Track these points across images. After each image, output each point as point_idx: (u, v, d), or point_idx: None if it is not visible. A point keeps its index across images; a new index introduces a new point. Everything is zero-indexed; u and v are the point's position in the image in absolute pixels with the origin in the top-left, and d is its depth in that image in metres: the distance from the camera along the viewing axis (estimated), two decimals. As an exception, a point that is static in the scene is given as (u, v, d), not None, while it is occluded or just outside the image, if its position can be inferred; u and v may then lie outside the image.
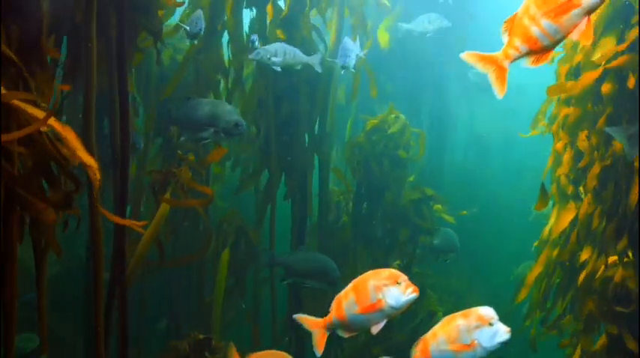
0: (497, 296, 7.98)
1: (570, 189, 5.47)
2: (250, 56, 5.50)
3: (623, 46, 4.78)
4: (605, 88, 4.85)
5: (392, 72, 9.02)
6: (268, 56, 5.38)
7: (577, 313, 5.30)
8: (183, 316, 6.78)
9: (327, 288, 6.07)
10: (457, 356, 3.20)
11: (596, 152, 5.02)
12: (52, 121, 3.03)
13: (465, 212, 8.49)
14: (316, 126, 6.82)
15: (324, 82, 6.67)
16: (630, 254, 4.92)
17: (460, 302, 8.57)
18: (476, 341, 3.17)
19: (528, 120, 6.45)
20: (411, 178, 7.51)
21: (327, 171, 6.95)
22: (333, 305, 3.38)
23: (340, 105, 8.11)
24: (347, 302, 3.32)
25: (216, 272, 6.37)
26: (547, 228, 5.79)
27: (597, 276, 4.99)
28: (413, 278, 7.07)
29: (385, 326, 7.23)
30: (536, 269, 5.68)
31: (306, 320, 3.48)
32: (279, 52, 5.42)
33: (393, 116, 7.21)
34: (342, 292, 3.36)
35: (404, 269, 7.20)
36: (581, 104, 5.16)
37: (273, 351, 3.95)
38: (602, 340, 5.02)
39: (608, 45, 4.88)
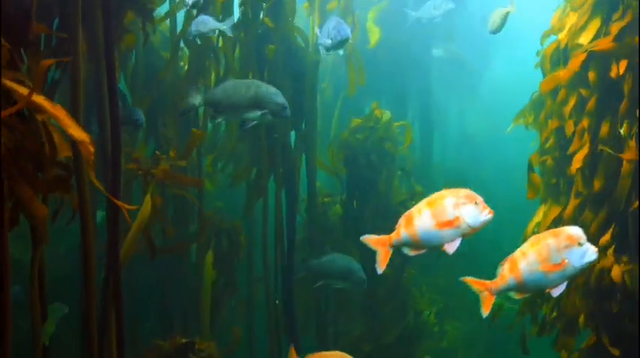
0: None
1: (554, 181, 5.47)
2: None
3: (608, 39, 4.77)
4: (592, 74, 4.85)
5: (380, 70, 9.02)
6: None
7: (562, 311, 5.27)
8: (176, 316, 6.73)
9: (354, 288, 6.26)
10: (547, 276, 3.25)
11: (585, 136, 5.00)
12: (41, 100, 3.00)
13: None
14: (303, 123, 6.76)
15: (310, 76, 6.60)
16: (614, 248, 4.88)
17: (450, 302, 8.61)
18: (566, 260, 3.20)
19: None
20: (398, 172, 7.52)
21: (314, 168, 6.87)
22: (402, 221, 3.34)
23: (326, 103, 8.14)
24: (420, 217, 3.29)
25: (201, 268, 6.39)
26: (532, 224, 5.76)
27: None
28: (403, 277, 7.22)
29: (374, 324, 7.32)
30: None
31: (370, 239, 3.47)
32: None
33: (377, 113, 7.24)
34: (414, 208, 3.33)
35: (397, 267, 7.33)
36: (570, 90, 5.15)
37: (335, 352, 3.94)
38: (589, 339, 5.00)
39: (594, 29, 4.91)
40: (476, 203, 3.23)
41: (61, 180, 3.35)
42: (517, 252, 3.31)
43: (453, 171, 11.45)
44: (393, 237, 3.38)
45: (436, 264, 9.10)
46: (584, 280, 4.91)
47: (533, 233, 5.64)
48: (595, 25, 4.94)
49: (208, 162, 6.94)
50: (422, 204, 3.31)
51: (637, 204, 4.68)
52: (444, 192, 3.29)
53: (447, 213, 3.25)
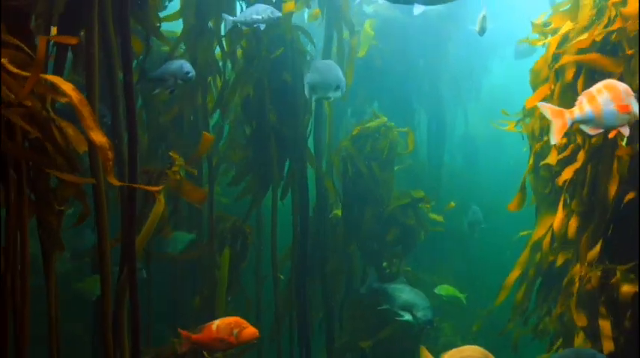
0: (489, 295, 8.18)
1: (548, 190, 5.58)
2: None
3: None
4: (580, 85, 4.86)
5: (383, 77, 9.22)
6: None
7: (555, 316, 5.43)
8: (187, 313, 6.93)
9: (417, 325, 6.38)
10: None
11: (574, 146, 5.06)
12: (70, 90, 2.97)
13: (452, 204, 8.76)
14: (310, 127, 6.97)
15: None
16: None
17: (450, 300, 8.80)
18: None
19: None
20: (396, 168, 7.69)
21: (322, 172, 7.15)
22: (583, 99, 3.70)
23: (336, 109, 8.30)
24: (602, 97, 3.65)
25: (212, 266, 6.60)
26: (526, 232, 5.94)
27: (575, 279, 5.11)
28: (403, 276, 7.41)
29: (374, 322, 7.47)
30: (515, 273, 5.84)
31: (548, 107, 3.81)
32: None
33: (377, 121, 7.41)
34: (593, 89, 3.73)
35: (395, 268, 7.53)
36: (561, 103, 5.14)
37: (472, 346, 4.22)
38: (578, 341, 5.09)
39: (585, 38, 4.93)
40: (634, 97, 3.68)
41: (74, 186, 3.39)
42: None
43: (457, 174, 11.61)
44: (575, 111, 3.71)
45: (435, 264, 9.38)
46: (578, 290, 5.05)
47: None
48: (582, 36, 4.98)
49: (215, 166, 7.02)
50: (599, 86, 3.67)
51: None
52: (612, 82, 3.70)
53: (622, 98, 3.63)
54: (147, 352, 5.62)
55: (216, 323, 4.40)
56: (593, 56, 4.70)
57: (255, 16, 5.64)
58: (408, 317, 6.41)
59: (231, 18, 5.78)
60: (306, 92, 5.64)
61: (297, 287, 6.99)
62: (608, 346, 4.70)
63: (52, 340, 3.63)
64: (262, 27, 5.72)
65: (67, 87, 2.98)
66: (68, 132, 3.19)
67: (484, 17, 6.29)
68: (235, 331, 4.32)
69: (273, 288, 6.94)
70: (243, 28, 5.85)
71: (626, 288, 4.71)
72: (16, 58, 3.06)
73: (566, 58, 4.93)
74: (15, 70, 2.94)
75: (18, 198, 3.17)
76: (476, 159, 12.48)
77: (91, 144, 3.14)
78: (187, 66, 5.52)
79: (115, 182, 3.26)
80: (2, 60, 2.94)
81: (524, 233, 6.05)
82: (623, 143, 4.57)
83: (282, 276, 7.01)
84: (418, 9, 4.24)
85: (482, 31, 6.39)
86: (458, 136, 12.30)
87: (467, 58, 10.21)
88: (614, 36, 4.66)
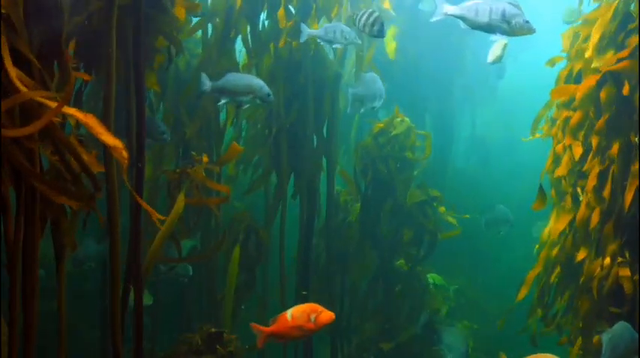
0: (500, 295, 8.17)
1: (569, 191, 5.66)
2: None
3: (623, 54, 5.03)
4: (604, 93, 5.10)
5: (396, 78, 9.23)
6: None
7: (575, 312, 5.49)
8: (194, 310, 6.99)
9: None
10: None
11: (594, 154, 5.24)
12: (73, 111, 3.09)
13: (467, 216, 8.70)
14: (324, 129, 7.05)
15: (331, 84, 6.92)
16: (627, 254, 5.10)
17: (462, 300, 8.80)
18: None
19: (529, 123, 6.67)
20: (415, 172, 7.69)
21: (334, 173, 7.16)
22: None
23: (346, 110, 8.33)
24: None
25: (226, 269, 6.60)
26: (547, 230, 5.97)
27: (594, 276, 5.18)
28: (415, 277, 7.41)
29: (393, 324, 7.47)
30: (536, 269, 5.87)
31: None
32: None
33: (398, 119, 7.44)
34: None
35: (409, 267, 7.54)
36: (582, 108, 5.39)
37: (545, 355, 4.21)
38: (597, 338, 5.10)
39: (608, 54, 5.13)
40: None
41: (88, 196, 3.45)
42: None
43: (467, 174, 11.62)
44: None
45: (447, 264, 9.34)
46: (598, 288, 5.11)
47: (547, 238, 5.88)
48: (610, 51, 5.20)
49: (230, 167, 7.15)
50: None
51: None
52: None
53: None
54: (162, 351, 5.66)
55: (290, 313, 4.45)
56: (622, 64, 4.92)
57: (336, 35, 5.63)
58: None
59: (308, 31, 5.81)
60: (350, 103, 5.96)
61: (302, 287, 7.02)
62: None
63: (61, 339, 3.67)
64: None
65: (70, 110, 3.09)
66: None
67: (505, 45, 6.36)
68: (313, 316, 4.39)
69: (279, 290, 6.96)
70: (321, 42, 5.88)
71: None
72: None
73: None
74: (41, 100, 3.05)
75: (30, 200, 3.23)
76: (488, 161, 12.50)
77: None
78: (267, 88, 5.57)
79: (129, 185, 3.46)
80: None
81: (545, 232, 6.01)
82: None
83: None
84: (437, 16, 4.33)
85: (497, 60, 6.45)
86: (470, 138, 12.32)
87: (483, 64, 10.27)
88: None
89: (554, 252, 5.75)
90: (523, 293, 5.94)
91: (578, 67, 5.52)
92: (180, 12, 5.08)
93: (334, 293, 7.39)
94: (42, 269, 3.55)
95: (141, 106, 4.38)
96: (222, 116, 6.90)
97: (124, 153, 3.17)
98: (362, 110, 6.07)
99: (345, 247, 7.50)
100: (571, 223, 5.53)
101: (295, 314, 4.42)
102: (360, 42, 5.80)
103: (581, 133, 5.41)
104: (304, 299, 6.72)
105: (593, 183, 5.21)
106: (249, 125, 7.13)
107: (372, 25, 4.82)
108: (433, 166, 10.40)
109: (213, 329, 5.45)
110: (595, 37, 5.24)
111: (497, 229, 8.71)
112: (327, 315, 4.42)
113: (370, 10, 4.91)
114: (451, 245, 9.23)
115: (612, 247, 5.07)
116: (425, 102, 10.25)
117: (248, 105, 5.87)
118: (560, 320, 5.80)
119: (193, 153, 5.56)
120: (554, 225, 5.76)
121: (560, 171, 5.70)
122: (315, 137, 6.98)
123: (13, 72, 2.98)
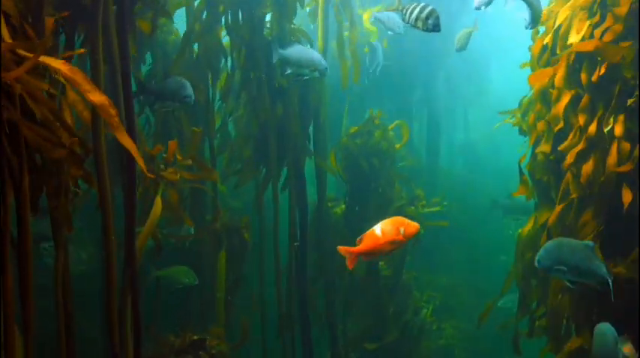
0: (485, 294, 8.25)
1: (545, 179, 5.60)
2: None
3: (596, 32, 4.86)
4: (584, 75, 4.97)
5: (387, 79, 9.32)
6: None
7: (554, 313, 5.34)
8: (191, 312, 7.07)
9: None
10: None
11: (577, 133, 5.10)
12: (59, 64, 2.97)
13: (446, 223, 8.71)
14: (310, 128, 7.11)
15: (317, 81, 6.97)
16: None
17: (447, 299, 8.89)
18: None
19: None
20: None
21: (323, 170, 7.21)
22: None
23: (335, 111, 8.43)
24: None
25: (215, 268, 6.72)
26: (525, 229, 5.89)
27: None
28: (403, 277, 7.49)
29: (377, 324, 7.53)
30: (514, 270, 5.86)
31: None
32: None
33: (372, 118, 7.58)
34: None
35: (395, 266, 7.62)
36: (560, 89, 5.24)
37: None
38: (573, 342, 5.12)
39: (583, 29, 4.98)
40: None
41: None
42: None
43: (456, 175, 11.72)
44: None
45: (436, 264, 9.44)
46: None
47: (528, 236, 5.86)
48: (582, 25, 5.04)
49: (224, 163, 7.23)
50: None
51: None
52: None
53: None
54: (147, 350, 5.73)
55: (379, 228, 4.34)
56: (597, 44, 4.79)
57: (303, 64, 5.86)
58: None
59: (280, 51, 5.94)
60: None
61: (298, 283, 7.10)
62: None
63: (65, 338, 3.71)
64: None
65: (57, 63, 2.99)
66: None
67: (470, 33, 6.36)
68: (402, 229, 4.33)
69: (275, 285, 7.02)
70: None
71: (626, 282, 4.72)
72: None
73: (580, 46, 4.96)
74: (23, 53, 2.97)
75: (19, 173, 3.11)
76: (477, 163, 12.62)
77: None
78: (187, 89, 5.60)
79: (126, 140, 3.13)
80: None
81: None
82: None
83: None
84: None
85: (462, 47, 6.45)
86: (458, 140, 12.45)
87: (465, 65, 10.36)
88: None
89: (530, 254, 5.65)
90: (504, 292, 5.99)
91: (549, 41, 5.39)
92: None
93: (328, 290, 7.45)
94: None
95: (126, 67, 4.26)
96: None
97: (112, 111, 3.04)
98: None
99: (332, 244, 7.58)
100: (545, 223, 5.44)
101: (384, 228, 4.33)
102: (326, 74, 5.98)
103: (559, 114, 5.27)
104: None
105: (571, 160, 5.04)
106: (235, 120, 7.20)
107: (427, 18, 4.47)
108: (425, 168, 10.57)
109: (195, 337, 5.61)
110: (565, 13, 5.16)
111: (515, 217, 8.81)
112: (414, 226, 4.37)
113: (422, 3, 4.54)
114: (441, 245, 9.37)
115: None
116: (413, 105, 10.36)
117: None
118: (541, 321, 5.71)
119: (164, 155, 5.56)
120: (532, 224, 5.76)
121: (537, 164, 5.65)
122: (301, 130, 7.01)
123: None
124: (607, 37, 4.83)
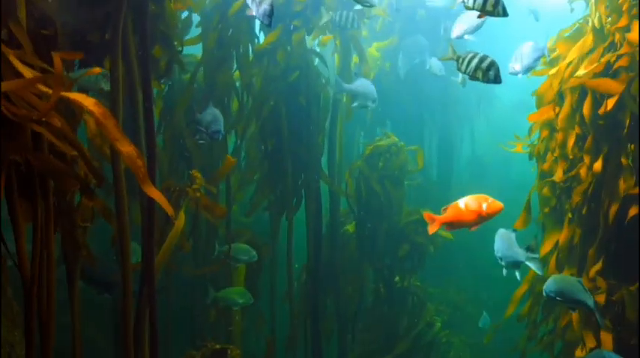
0: (495, 309, 8.32)
1: (553, 203, 5.81)
2: None
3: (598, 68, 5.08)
4: (586, 110, 5.16)
5: (397, 99, 9.50)
6: None
7: (561, 331, 5.59)
8: (204, 324, 7.17)
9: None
10: None
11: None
12: (93, 106, 2.91)
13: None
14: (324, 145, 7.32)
15: (328, 103, 7.27)
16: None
17: (457, 313, 8.96)
18: None
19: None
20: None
21: (336, 192, 7.46)
22: None
23: (349, 133, 8.58)
24: None
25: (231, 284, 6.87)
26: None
27: None
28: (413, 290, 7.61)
29: (389, 336, 7.65)
30: (522, 288, 6.02)
31: None
32: None
33: (389, 140, 7.70)
34: None
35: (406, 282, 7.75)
36: (564, 129, 5.52)
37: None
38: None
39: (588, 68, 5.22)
40: None
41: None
42: None
43: (465, 190, 11.77)
44: None
45: (444, 278, 9.52)
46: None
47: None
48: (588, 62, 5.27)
49: (235, 184, 7.35)
50: None
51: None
52: None
53: None
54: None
55: (463, 202, 4.61)
56: (600, 80, 5.00)
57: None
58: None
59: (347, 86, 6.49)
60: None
61: (311, 300, 7.29)
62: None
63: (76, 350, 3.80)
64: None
65: (89, 102, 2.94)
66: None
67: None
68: (485, 204, 4.55)
69: (288, 301, 7.22)
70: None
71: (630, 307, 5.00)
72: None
73: (573, 81, 5.21)
74: (44, 89, 2.99)
75: (45, 212, 3.21)
76: (484, 178, 12.67)
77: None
78: (218, 124, 5.80)
79: (152, 191, 3.13)
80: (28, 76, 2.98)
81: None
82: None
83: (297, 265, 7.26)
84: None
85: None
86: (466, 157, 12.52)
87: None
88: (619, 61, 4.96)
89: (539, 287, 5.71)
90: (510, 311, 6.10)
91: (557, 81, 5.59)
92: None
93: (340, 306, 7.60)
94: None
95: (149, 102, 4.35)
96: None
97: (139, 162, 3.01)
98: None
99: (344, 263, 7.76)
100: (556, 243, 5.65)
101: (468, 202, 4.59)
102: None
103: (567, 151, 5.53)
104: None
105: (577, 199, 5.31)
106: (246, 143, 7.32)
107: (487, 70, 4.35)
108: (433, 183, 10.66)
109: (217, 346, 5.66)
110: (573, 54, 5.38)
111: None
112: (497, 204, 4.58)
113: (480, 53, 4.40)
114: (451, 261, 9.45)
115: (596, 268, 5.20)
116: (422, 122, 10.48)
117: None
118: (548, 338, 5.90)
119: (192, 171, 5.77)
120: (543, 246, 5.89)
121: (547, 190, 5.85)
122: (312, 154, 7.19)
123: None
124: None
